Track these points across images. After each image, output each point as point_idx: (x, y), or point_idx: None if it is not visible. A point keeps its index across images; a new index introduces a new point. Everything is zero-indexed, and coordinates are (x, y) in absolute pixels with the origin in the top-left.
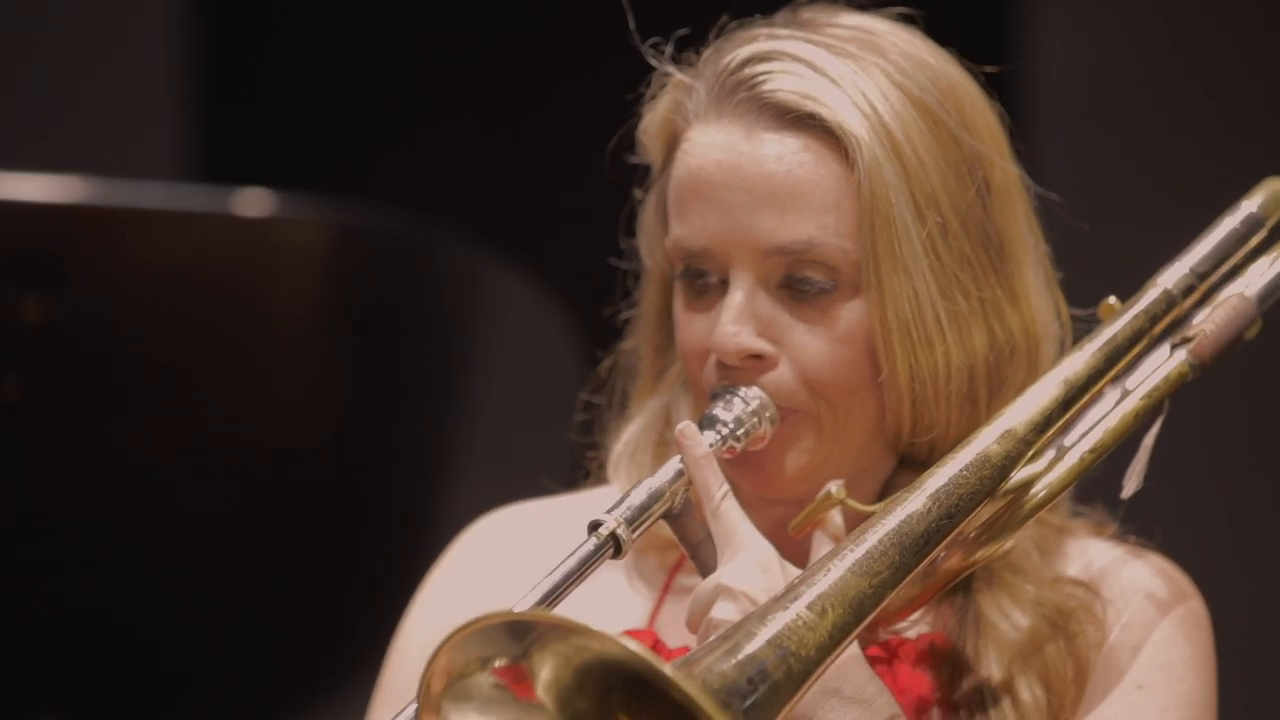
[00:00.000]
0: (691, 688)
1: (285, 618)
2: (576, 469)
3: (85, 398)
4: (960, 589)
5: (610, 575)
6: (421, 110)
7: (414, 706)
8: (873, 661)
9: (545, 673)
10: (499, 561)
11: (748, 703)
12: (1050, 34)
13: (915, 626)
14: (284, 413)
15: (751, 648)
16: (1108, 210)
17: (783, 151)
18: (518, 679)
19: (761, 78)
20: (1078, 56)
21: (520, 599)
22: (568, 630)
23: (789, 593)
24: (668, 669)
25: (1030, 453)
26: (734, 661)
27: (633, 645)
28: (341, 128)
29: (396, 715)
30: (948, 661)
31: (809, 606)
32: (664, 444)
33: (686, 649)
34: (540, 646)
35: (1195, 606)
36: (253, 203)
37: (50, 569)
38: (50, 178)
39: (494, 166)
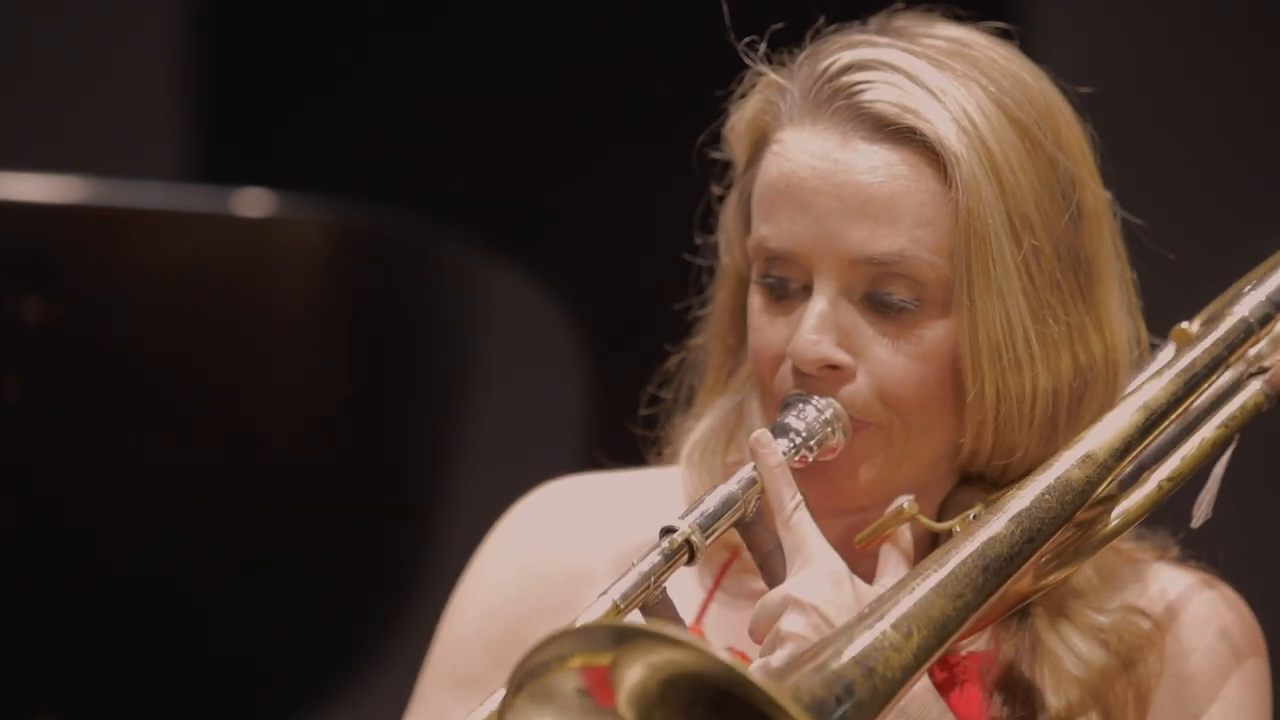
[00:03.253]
0: (786, 700)
1: (285, 616)
2: (576, 466)
3: (85, 398)
4: (1020, 611)
5: None
6: (422, 110)
7: (499, 694)
8: (936, 685)
9: (630, 682)
10: (552, 535)
11: (833, 718)
12: (1049, 36)
13: (972, 642)
14: (284, 412)
15: (838, 665)
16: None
17: (878, 163)
18: (602, 686)
19: (861, 86)
20: (1076, 58)
21: (592, 603)
22: (664, 642)
23: (874, 612)
24: (764, 683)
25: (1110, 478)
26: (821, 678)
27: (728, 659)
28: (341, 128)
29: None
30: (1004, 688)
31: (894, 627)
32: (734, 443)
33: (731, 649)
34: (630, 655)
35: (1252, 632)
36: (253, 203)
37: (50, 569)
38: (50, 178)
39: (494, 166)
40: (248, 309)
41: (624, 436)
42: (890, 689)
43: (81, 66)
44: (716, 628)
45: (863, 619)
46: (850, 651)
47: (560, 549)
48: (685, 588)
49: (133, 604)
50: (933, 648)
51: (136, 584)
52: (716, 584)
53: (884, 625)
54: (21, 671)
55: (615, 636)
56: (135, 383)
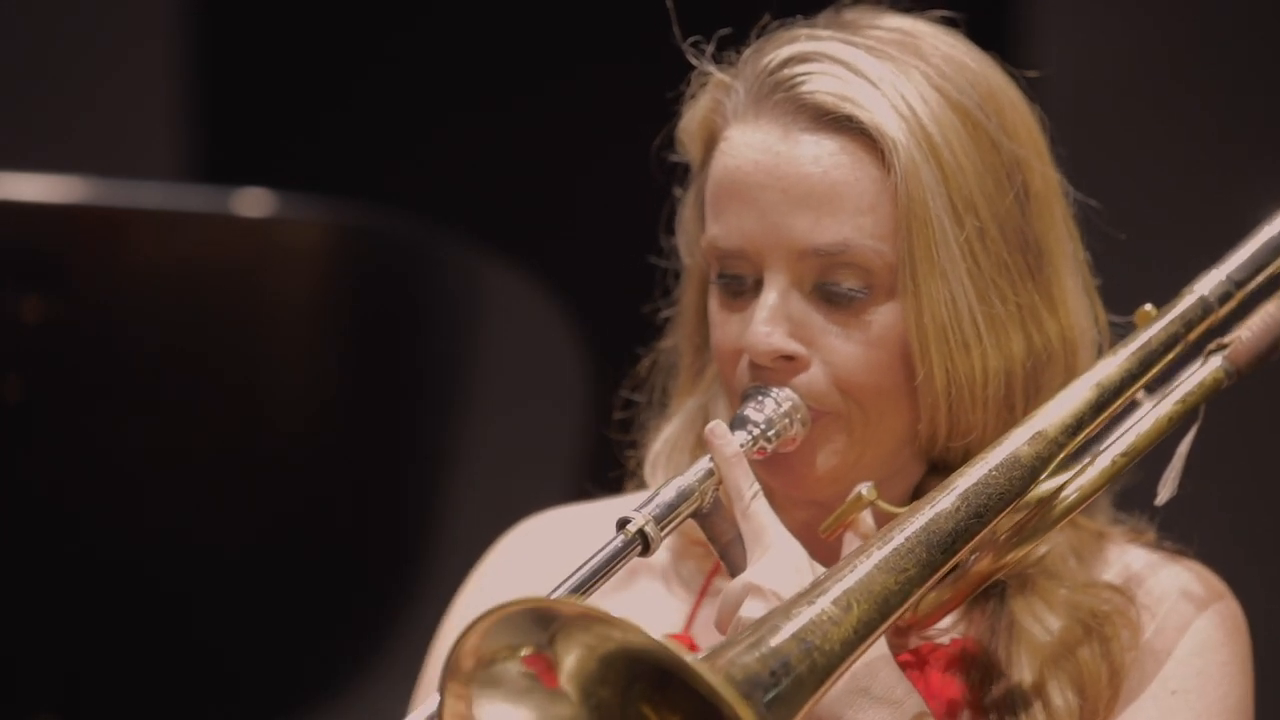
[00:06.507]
0: (714, 678)
1: (285, 618)
2: (577, 467)
3: (85, 398)
4: (994, 595)
5: (647, 580)
6: (422, 110)
7: (436, 697)
8: (903, 667)
9: (570, 662)
10: (537, 567)
11: (770, 695)
12: (1051, 35)
13: (947, 633)
14: (284, 412)
15: (775, 641)
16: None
17: (819, 153)
18: (545, 668)
19: (800, 78)
20: (1079, 58)
21: (547, 595)
22: (593, 619)
23: (815, 588)
24: (690, 659)
25: (1061, 455)
26: (757, 654)
27: (656, 635)
28: (342, 128)
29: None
30: (979, 666)
31: (834, 602)
32: (702, 444)
33: None
34: (566, 635)
35: (1231, 609)
36: (253, 203)
37: (50, 569)
38: (50, 178)
39: (495, 166)
40: (248, 309)
41: (624, 436)
42: (830, 663)
43: (81, 66)
44: (706, 634)
45: (803, 596)
46: (789, 628)
47: (541, 584)
48: (674, 594)
49: (132, 604)
50: (875, 622)
51: (136, 583)
52: (704, 591)
53: (824, 601)
54: (21, 671)
55: (541, 619)
56: (135, 382)
